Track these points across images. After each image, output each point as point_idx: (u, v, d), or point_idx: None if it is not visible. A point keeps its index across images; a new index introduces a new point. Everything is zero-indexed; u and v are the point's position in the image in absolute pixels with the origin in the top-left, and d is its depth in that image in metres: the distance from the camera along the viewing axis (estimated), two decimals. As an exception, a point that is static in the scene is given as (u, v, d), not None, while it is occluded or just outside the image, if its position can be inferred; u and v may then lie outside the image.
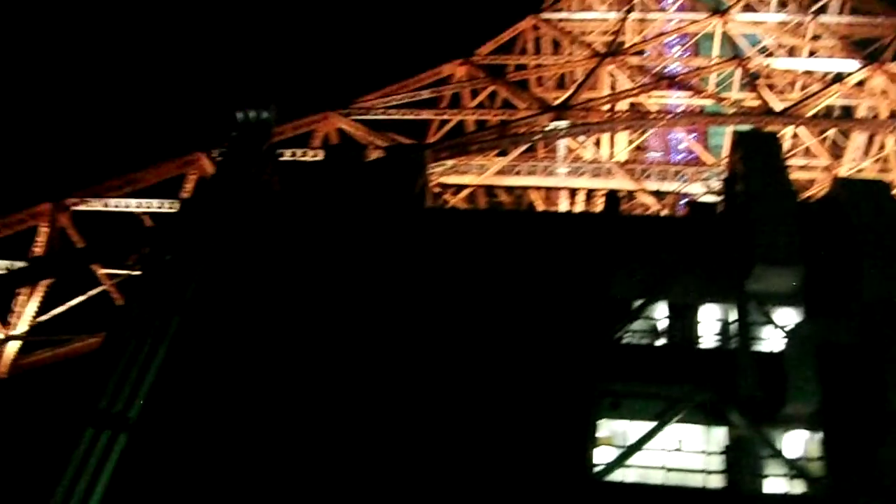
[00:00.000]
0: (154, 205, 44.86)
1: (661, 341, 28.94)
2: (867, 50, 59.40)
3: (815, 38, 63.99)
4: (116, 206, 45.79)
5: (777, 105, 53.22)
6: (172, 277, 28.95)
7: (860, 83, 54.19)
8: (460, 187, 48.14)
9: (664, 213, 35.92)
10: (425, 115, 52.08)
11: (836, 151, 59.26)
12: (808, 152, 62.15)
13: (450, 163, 47.05)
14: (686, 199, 44.75)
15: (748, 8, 68.30)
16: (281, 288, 29.11)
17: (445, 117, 52.82)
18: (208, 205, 31.87)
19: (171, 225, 33.51)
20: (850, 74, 54.71)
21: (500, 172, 49.65)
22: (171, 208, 42.74)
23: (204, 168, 44.39)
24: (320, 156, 43.69)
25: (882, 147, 54.89)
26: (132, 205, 45.28)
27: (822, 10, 67.29)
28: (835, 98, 54.86)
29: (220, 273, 29.49)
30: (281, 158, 38.43)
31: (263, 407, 26.01)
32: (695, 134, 66.85)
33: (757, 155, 32.88)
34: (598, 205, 50.71)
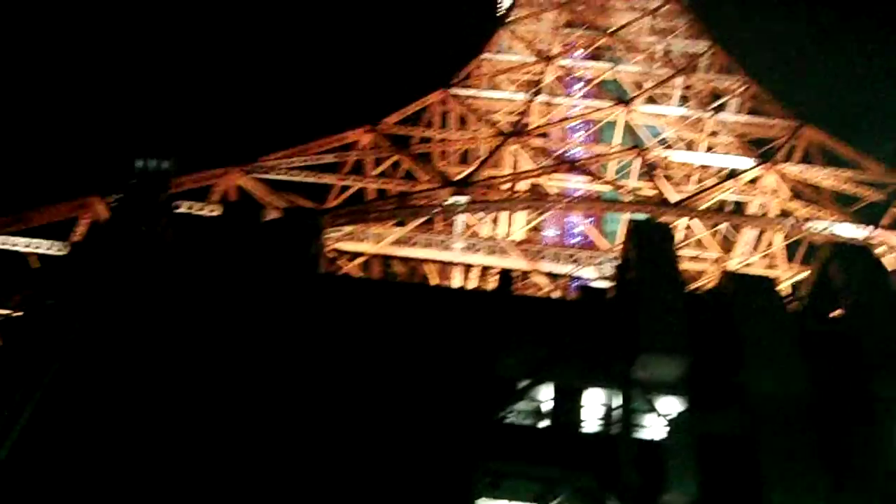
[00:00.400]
0: (43, 246, 43.40)
1: (544, 423, 28.74)
2: (762, 149, 61.42)
3: (713, 134, 66.05)
4: (3, 244, 44.17)
5: (672, 196, 54.47)
6: (53, 322, 27.90)
7: (753, 181, 55.76)
8: (356, 254, 47.73)
9: (556, 295, 36.07)
10: (327, 179, 51.83)
11: (727, 245, 60.67)
12: (699, 244, 63.65)
13: (347, 229, 46.68)
14: (578, 283, 45.12)
15: (651, 100, 70.25)
16: (164, 342, 28.24)
17: (347, 183, 52.63)
18: (97, 251, 30.95)
19: (58, 268, 32.46)
20: (744, 172, 56.26)
21: (397, 242, 49.53)
22: (59, 251, 41.43)
23: (98, 212, 43.17)
24: (217, 211, 42.95)
25: (770, 244, 56.40)
26: (20, 243, 43.72)
27: (722, 108, 69.73)
28: (728, 193, 56.34)
29: (103, 321, 28.51)
30: (177, 210, 37.68)
31: (138, 457, 25.07)
32: (591, 219, 67.95)
33: (649, 244, 33.24)
34: (492, 282, 50.81)
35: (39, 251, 43.35)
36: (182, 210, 43.34)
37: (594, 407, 28.96)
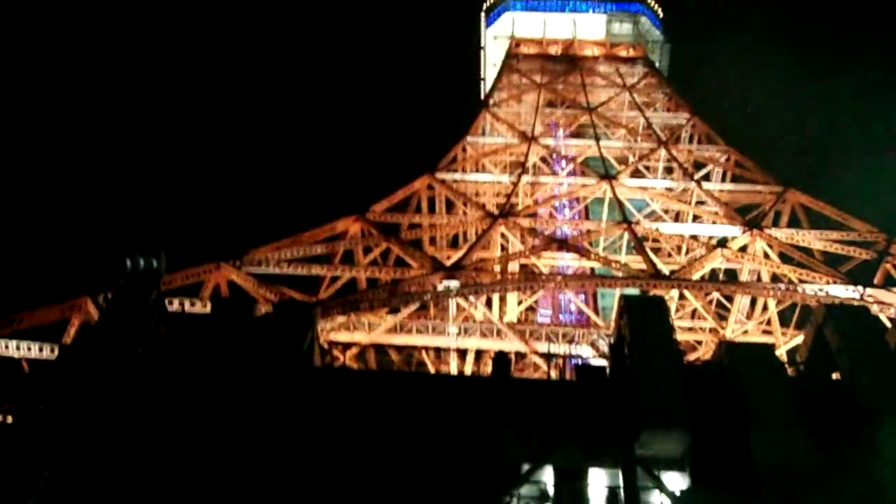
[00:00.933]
0: (34, 349, 43.01)
1: (549, 506, 28.38)
2: (749, 216, 61.79)
3: (700, 203, 66.42)
4: (-7, 348, 43.74)
5: (663, 268, 54.57)
6: (45, 429, 27.55)
7: (743, 248, 55.85)
8: (350, 345, 47.45)
9: (553, 375, 35.84)
10: (317, 270, 51.65)
11: (722, 313, 60.67)
12: (695, 314, 63.72)
13: (340, 319, 46.51)
14: (576, 361, 44.88)
15: (636, 173, 70.82)
16: (159, 443, 27.90)
17: (337, 273, 52.50)
18: (88, 353, 30.71)
19: (48, 372, 32.18)
20: (732, 239, 56.46)
21: (391, 330, 49.27)
22: (50, 354, 41.09)
23: (89, 313, 42.84)
24: (209, 308, 42.83)
25: (765, 309, 56.38)
26: (10, 347, 43.33)
27: (706, 177, 70.40)
28: (719, 262, 56.45)
29: (96, 425, 28.18)
30: (168, 309, 37.52)
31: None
32: (584, 295, 67.99)
33: (643, 319, 33.19)
34: (488, 365, 50.57)
35: (30, 355, 42.99)
36: (173, 308, 43.30)
37: (598, 487, 28.65)
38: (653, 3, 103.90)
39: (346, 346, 46.89)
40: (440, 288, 48.20)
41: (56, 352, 39.40)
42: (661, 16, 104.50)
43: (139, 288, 33.31)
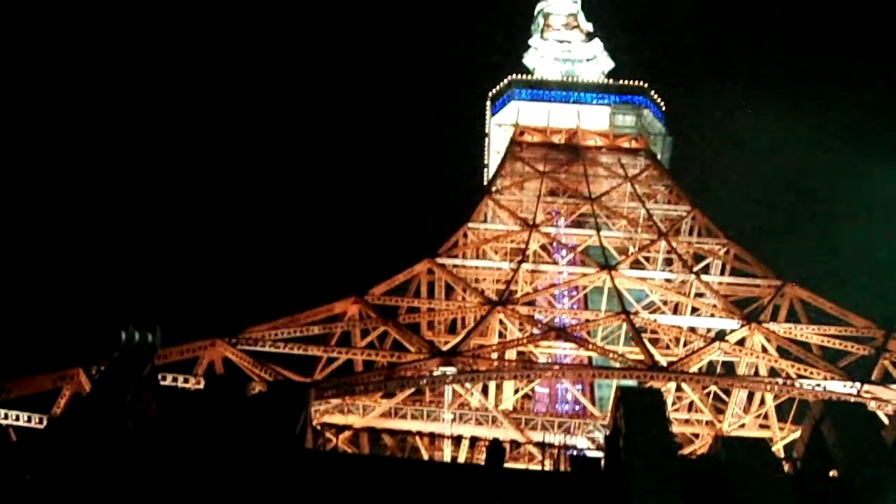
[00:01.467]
0: (22, 418, 42.55)
1: None
2: (747, 309, 61.77)
3: (699, 295, 66.47)
4: (-19, 417, 43.26)
5: (661, 360, 54.39)
6: (31, 499, 27.22)
7: (741, 341, 55.73)
8: (343, 427, 46.97)
9: (548, 465, 35.40)
10: (314, 350, 51.46)
11: (720, 406, 60.22)
12: (692, 406, 63.26)
13: (334, 401, 46.22)
14: (571, 452, 44.42)
15: (636, 265, 71.01)
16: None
17: (334, 355, 52.32)
18: (78, 425, 30.45)
19: (37, 442, 31.86)
20: (731, 332, 56.36)
21: (386, 415, 49.09)
22: (39, 424, 40.67)
23: (81, 384, 42.46)
24: (202, 384, 42.58)
25: (763, 403, 56.01)
26: (-1, 415, 42.90)
27: (706, 269, 70.54)
28: (717, 355, 56.27)
29: (82, 499, 27.82)
30: (162, 383, 37.32)
31: None
32: (581, 385, 67.59)
33: (639, 411, 33.08)
34: (483, 452, 50.03)
35: (18, 424, 42.54)
36: (167, 383, 43.01)
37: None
38: (656, 96, 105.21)
39: (339, 429, 46.20)
40: (436, 373, 47.99)
41: (45, 422, 39.02)
42: (664, 109, 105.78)
43: (133, 361, 33.23)
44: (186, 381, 44.43)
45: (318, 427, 42.65)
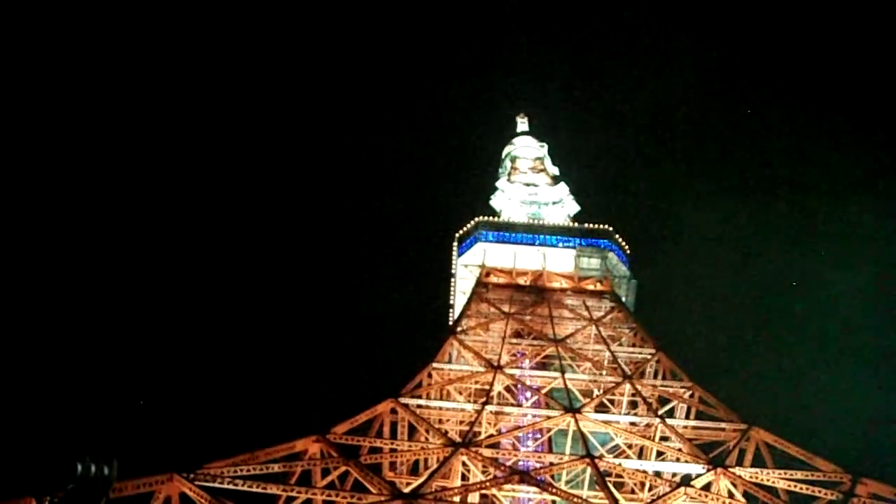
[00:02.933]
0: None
1: None
2: (713, 453, 61.30)
3: (664, 439, 65.97)
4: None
5: (627, 505, 53.58)
6: None
7: (707, 486, 55.12)
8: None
9: None
10: (273, 489, 50.20)
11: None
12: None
13: (292, 546, 44.94)
14: None
15: (601, 407, 70.67)
16: None
17: (293, 494, 51.04)
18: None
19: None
20: (696, 477, 55.81)
21: (346, 559, 47.78)
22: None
23: (33, 516, 41.15)
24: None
25: (731, 550, 55.01)
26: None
27: (671, 413, 70.30)
28: (682, 500, 55.47)
29: None
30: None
31: None
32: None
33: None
34: None
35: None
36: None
37: None
38: (620, 240, 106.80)
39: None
40: (398, 517, 46.91)
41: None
42: (629, 252, 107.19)
43: (88, 494, 32.48)
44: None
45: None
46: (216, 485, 48.41)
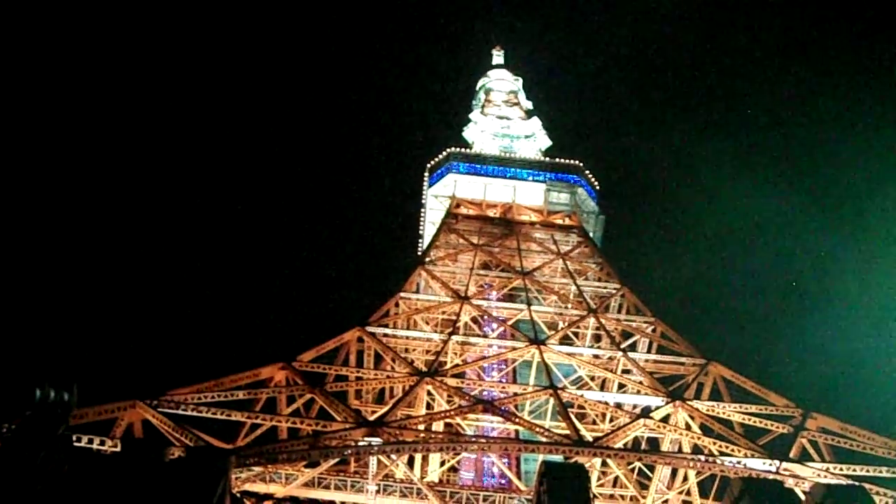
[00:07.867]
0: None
1: None
2: (672, 387, 62.44)
3: (626, 372, 67.11)
4: None
5: (587, 435, 54.67)
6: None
7: (665, 418, 56.28)
8: (264, 496, 46.26)
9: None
10: (237, 416, 50.57)
11: (644, 482, 60.46)
12: (616, 482, 63.56)
13: (256, 469, 45.52)
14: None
15: (565, 340, 71.65)
16: None
17: (258, 421, 51.52)
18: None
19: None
20: (656, 409, 56.92)
21: (308, 484, 48.45)
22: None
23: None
24: (119, 447, 41.61)
25: (686, 479, 56.39)
26: None
27: (633, 347, 71.33)
28: (642, 431, 56.65)
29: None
30: (76, 444, 36.51)
31: None
32: (507, 459, 67.56)
33: (562, 486, 33.34)
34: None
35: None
36: (81, 444, 41.88)
37: None
38: (590, 175, 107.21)
39: (260, 498, 45.72)
40: (362, 444, 47.56)
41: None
42: (598, 188, 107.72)
43: (46, 420, 32.51)
44: (103, 443, 43.18)
45: (238, 495, 42.08)
46: (180, 412, 48.66)
